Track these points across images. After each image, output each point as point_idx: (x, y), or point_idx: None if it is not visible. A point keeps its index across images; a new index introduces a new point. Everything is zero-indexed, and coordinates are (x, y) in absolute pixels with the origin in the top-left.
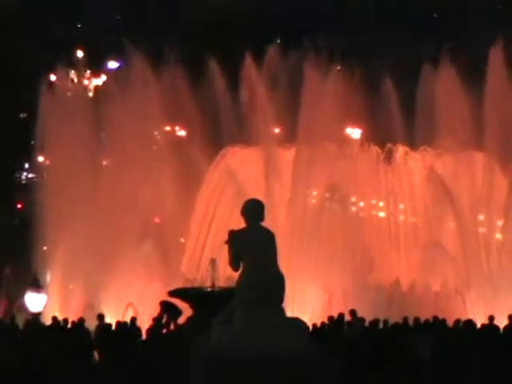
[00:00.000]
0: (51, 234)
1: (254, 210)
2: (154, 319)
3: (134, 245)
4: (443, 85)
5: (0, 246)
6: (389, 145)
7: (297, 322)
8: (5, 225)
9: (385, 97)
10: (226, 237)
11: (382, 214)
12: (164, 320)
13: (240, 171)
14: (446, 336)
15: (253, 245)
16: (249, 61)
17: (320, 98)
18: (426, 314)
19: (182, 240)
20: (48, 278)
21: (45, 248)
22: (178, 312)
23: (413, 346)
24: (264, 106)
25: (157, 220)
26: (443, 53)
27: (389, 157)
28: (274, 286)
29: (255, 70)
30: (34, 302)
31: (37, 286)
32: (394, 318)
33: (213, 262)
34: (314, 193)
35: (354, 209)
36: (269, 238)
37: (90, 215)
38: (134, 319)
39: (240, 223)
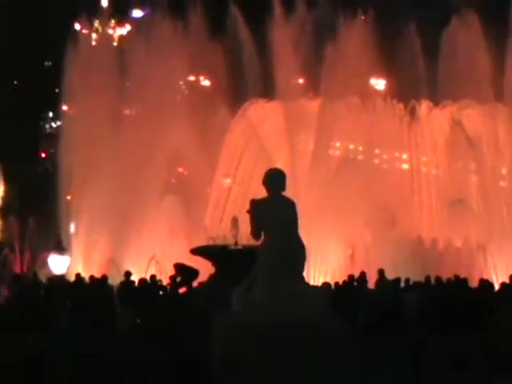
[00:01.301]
0: (75, 184)
1: (275, 179)
2: (171, 278)
3: (157, 198)
4: (467, 37)
5: (24, 195)
6: (412, 101)
7: (317, 291)
8: (29, 173)
9: (409, 48)
10: (248, 192)
11: (405, 167)
12: (179, 280)
13: (263, 125)
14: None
15: (274, 215)
16: (276, 12)
17: (345, 49)
18: (447, 271)
19: (208, 190)
20: (72, 228)
21: (68, 198)
22: (193, 274)
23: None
24: (288, 59)
25: (180, 169)
26: (466, 5)
27: (412, 112)
28: (295, 255)
29: (280, 21)
30: (57, 264)
31: (60, 248)
32: (416, 274)
33: (235, 220)
34: (338, 144)
35: (377, 161)
36: (290, 208)
37: (113, 165)
38: (153, 277)
39: (260, 184)
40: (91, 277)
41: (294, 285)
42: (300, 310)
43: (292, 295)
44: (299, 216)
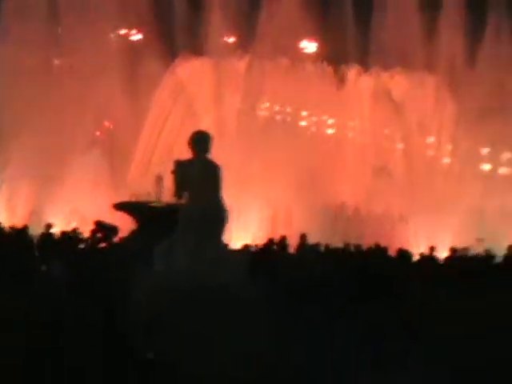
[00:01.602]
0: (1, 130)
1: (200, 141)
2: (91, 232)
3: (82, 151)
4: (398, 4)
5: None
6: (342, 66)
7: (238, 256)
8: None
9: (340, 12)
10: (174, 149)
11: (331, 132)
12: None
13: (192, 82)
14: None
15: (197, 176)
16: None
17: (276, 9)
18: (368, 239)
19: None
20: None
21: None
22: (113, 231)
23: None
24: (218, 16)
25: (107, 124)
26: None
27: (341, 77)
28: (217, 218)
29: None
30: None
31: None
32: (337, 240)
33: (159, 178)
34: (266, 105)
35: (304, 123)
36: (214, 170)
37: (40, 116)
38: (75, 230)
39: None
40: (11, 227)
41: (216, 248)
42: (220, 274)
43: (213, 258)
44: (224, 177)
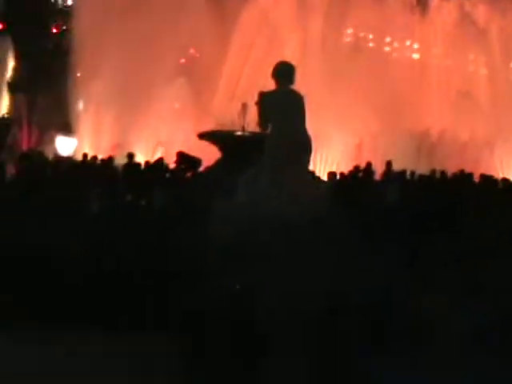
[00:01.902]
0: (85, 62)
1: (284, 72)
2: (176, 163)
3: (167, 79)
4: None
5: (34, 71)
6: None
7: (321, 185)
8: (40, 50)
9: None
10: (259, 77)
11: (415, 57)
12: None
13: (275, 9)
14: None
15: (281, 107)
16: None
17: None
18: (453, 165)
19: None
20: (80, 106)
21: (78, 75)
22: (196, 163)
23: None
24: None
25: (192, 51)
26: None
27: (424, 3)
28: (302, 147)
29: None
30: (64, 145)
31: (68, 129)
32: (423, 166)
33: (244, 106)
34: (349, 31)
35: (387, 49)
36: (298, 101)
37: (125, 44)
38: (160, 159)
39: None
40: (95, 157)
41: (301, 177)
42: (305, 204)
43: (297, 188)
44: (308, 106)
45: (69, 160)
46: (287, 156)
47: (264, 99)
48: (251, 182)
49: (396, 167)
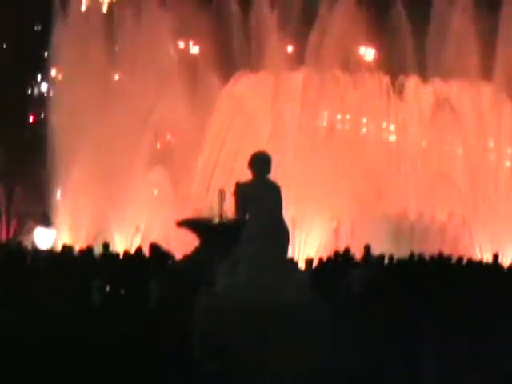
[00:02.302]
0: (62, 150)
1: (260, 163)
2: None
3: (145, 166)
4: (454, 14)
5: (11, 160)
6: (401, 76)
7: (299, 274)
8: (16, 138)
9: (397, 22)
10: (235, 164)
11: (391, 140)
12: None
13: (251, 97)
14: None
15: (257, 198)
16: None
17: (333, 18)
18: (432, 246)
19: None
20: (58, 195)
21: (56, 162)
22: (167, 256)
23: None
24: (273, 29)
25: (169, 137)
26: None
27: (400, 87)
28: (278, 237)
29: None
30: (42, 237)
31: (46, 221)
32: (402, 248)
33: (221, 192)
34: (325, 116)
35: (364, 130)
36: (274, 191)
37: (101, 131)
38: (139, 249)
39: (247, 156)
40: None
41: (278, 268)
42: (283, 295)
43: (275, 278)
44: (285, 193)
45: (49, 253)
46: (264, 247)
47: (240, 190)
48: (229, 274)
49: (375, 250)
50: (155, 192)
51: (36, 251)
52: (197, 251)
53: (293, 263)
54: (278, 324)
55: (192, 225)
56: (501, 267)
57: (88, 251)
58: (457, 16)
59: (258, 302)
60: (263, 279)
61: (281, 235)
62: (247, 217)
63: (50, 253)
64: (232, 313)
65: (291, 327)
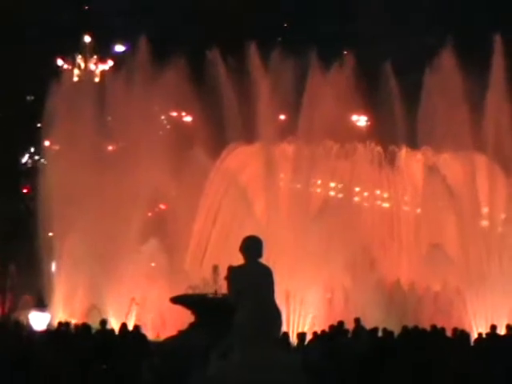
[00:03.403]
0: (56, 222)
1: (252, 247)
2: None
3: (138, 239)
4: (445, 85)
5: (5, 232)
6: (392, 146)
7: (291, 359)
8: (10, 210)
9: (388, 92)
10: (228, 239)
11: (382, 211)
12: None
13: (243, 170)
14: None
15: (250, 282)
16: (251, 53)
17: (324, 88)
18: (426, 315)
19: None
20: (53, 267)
21: (50, 234)
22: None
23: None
24: (267, 101)
25: (162, 206)
26: (445, 52)
27: (391, 157)
28: (271, 322)
29: (257, 64)
30: (37, 320)
31: (41, 305)
32: (395, 318)
33: (215, 268)
34: (317, 188)
35: (355, 203)
36: (266, 275)
37: (95, 202)
38: (137, 327)
39: (240, 228)
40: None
41: (270, 352)
42: (274, 379)
43: (267, 362)
44: (279, 265)
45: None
46: (257, 331)
47: (233, 274)
48: (222, 358)
49: (368, 319)
50: (153, 264)
51: (32, 333)
52: (191, 327)
53: (285, 343)
54: None
55: (186, 301)
56: (496, 339)
57: (85, 329)
58: (446, 85)
59: None
60: (256, 363)
61: (273, 320)
62: (240, 302)
63: (47, 334)
64: None
65: None
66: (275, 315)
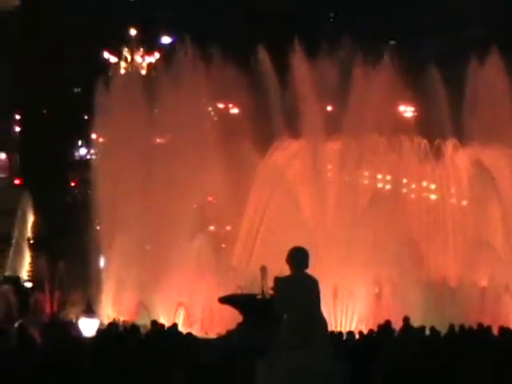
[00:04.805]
0: (105, 217)
1: (298, 258)
2: None
3: (187, 235)
4: (490, 81)
5: (53, 225)
6: (438, 140)
7: (338, 367)
8: (58, 203)
9: (433, 86)
10: (275, 235)
11: (431, 202)
12: None
13: (290, 165)
14: None
15: (296, 293)
16: (296, 47)
17: (370, 80)
18: (473, 311)
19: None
20: (101, 263)
21: (98, 228)
22: None
23: None
24: (310, 92)
25: (210, 199)
26: (491, 46)
27: (438, 151)
28: (317, 331)
29: (302, 59)
30: (86, 326)
31: (90, 311)
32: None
33: (263, 269)
34: (365, 182)
35: (403, 197)
36: (312, 286)
37: (143, 197)
38: (175, 325)
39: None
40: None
41: (317, 360)
42: None
43: (315, 371)
44: (327, 263)
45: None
46: (302, 343)
47: (279, 285)
48: (269, 367)
49: (416, 316)
50: (199, 260)
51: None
52: (240, 329)
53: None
54: None
55: (234, 302)
56: None
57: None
58: (492, 81)
59: None
60: (302, 376)
61: (319, 329)
62: (287, 310)
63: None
64: None
65: None
66: (320, 326)
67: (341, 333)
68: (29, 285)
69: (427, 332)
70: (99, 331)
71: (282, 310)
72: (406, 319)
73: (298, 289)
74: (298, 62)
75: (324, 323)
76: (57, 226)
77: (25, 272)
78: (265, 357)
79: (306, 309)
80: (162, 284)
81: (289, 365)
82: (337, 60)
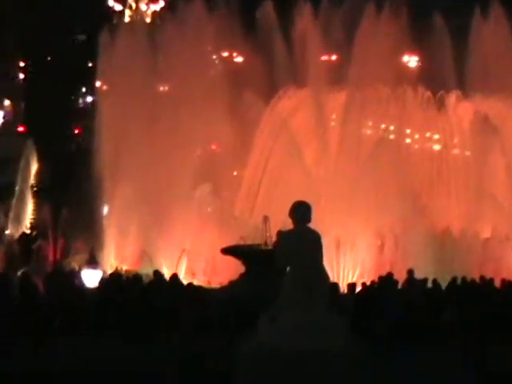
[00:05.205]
0: (108, 164)
1: (301, 212)
2: None
3: (190, 183)
4: (495, 32)
5: (57, 175)
6: (441, 92)
7: (340, 322)
8: (62, 150)
9: (437, 36)
10: (278, 185)
11: (433, 152)
12: None
13: (294, 115)
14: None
15: (299, 247)
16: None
17: (376, 29)
18: (475, 262)
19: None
20: (105, 211)
21: (101, 175)
22: None
23: None
24: (315, 41)
25: (213, 147)
26: None
27: (441, 102)
28: (319, 286)
29: (307, 9)
30: (90, 277)
31: (93, 262)
32: (445, 266)
33: (266, 219)
34: (368, 133)
35: (406, 147)
36: (315, 240)
37: (147, 145)
38: (175, 275)
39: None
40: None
41: (318, 316)
42: (323, 343)
43: (315, 327)
44: (329, 212)
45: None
46: (305, 297)
47: (282, 239)
48: (272, 323)
49: (419, 267)
50: (202, 210)
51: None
52: (242, 279)
53: (335, 294)
54: (320, 374)
55: (237, 252)
56: None
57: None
58: (496, 30)
59: (300, 353)
60: (305, 330)
61: (321, 283)
62: (289, 265)
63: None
64: (276, 364)
65: (332, 377)
66: (322, 281)
67: (336, 284)
68: (32, 232)
69: (429, 284)
70: (102, 282)
71: (284, 264)
72: (411, 272)
73: (301, 243)
74: (303, 11)
75: (327, 277)
76: (60, 173)
77: (28, 220)
78: (268, 311)
79: (309, 263)
80: (165, 232)
81: (291, 319)
82: (341, 9)
